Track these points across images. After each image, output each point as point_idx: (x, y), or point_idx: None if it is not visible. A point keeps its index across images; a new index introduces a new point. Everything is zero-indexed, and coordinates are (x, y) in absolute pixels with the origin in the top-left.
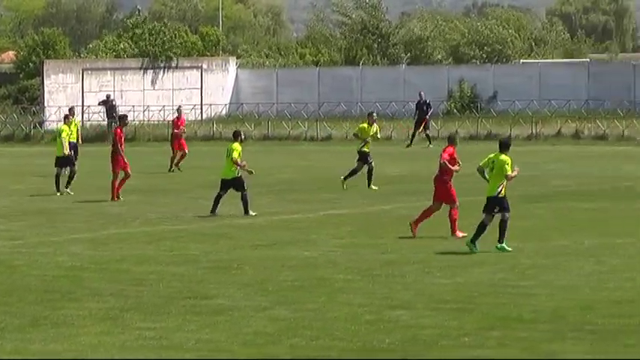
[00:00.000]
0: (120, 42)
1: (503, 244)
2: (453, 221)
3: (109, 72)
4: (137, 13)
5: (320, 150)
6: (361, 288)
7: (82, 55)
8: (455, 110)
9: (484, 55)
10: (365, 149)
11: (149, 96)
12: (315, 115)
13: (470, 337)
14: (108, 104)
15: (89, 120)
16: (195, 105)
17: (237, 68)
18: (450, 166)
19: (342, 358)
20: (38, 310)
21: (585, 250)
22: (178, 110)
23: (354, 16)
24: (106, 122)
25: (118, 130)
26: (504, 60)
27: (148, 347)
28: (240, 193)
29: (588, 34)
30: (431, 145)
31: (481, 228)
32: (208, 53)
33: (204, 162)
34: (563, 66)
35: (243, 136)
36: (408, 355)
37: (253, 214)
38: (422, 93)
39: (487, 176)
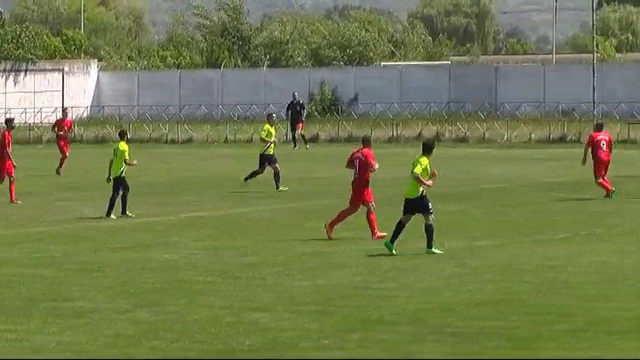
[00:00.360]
0: None
1: (433, 249)
2: (371, 222)
3: None
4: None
5: (181, 153)
6: (222, 290)
7: None
8: (316, 113)
9: (345, 58)
10: (269, 152)
11: (10, 98)
12: (176, 118)
13: (330, 340)
14: None
15: None
16: (56, 107)
17: (98, 71)
18: (374, 165)
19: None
20: None
21: (446, 253)
22: (64, 111)
23: (215, 18)
24: None
25: (6, 134)
26: (365, 63)
27: (9, 349)
28: (123, 193)
29: (450, 36)
30: (307, 147)
31: (399, 228)
32: (70, 56)
33: (66, 164)
34: (424, 68)
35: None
36: (268, 357)
37: (131, 215)
38: (295, 94)
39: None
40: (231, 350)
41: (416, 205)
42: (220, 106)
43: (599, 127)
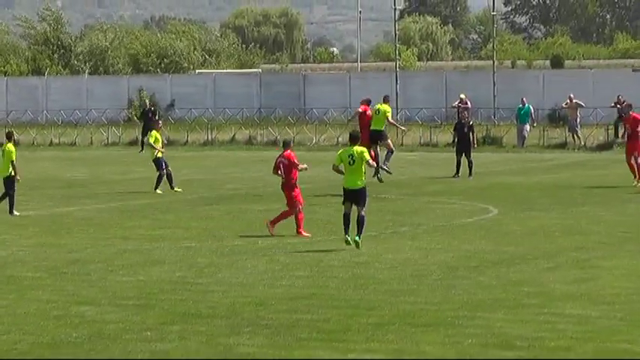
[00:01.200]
0: None
1: (357, 238)
2: (298, 221)
3: None
4: None
5: None
6: (49, 285)
7: None
8: (135, 118)
9: (162, 66)
10: (159, 155)
11: None
12: (3, 122)
13: (152, 332)
14: None
15: None
16: None
17: None
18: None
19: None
20: None
21: (259, 249)
22: None
23: (38, 28)
24: None
25: None
26: (181, 70)
27: None
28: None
29: (260, 45)
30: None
31: (346, 220)
32: None
33: None
34: (236, 76)
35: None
36: (94, 349)
37: (17, 213)
38: (147, 102)
39: (344, 170)
40: (59, 342)
41: (358, 195)
42: (45, 112)
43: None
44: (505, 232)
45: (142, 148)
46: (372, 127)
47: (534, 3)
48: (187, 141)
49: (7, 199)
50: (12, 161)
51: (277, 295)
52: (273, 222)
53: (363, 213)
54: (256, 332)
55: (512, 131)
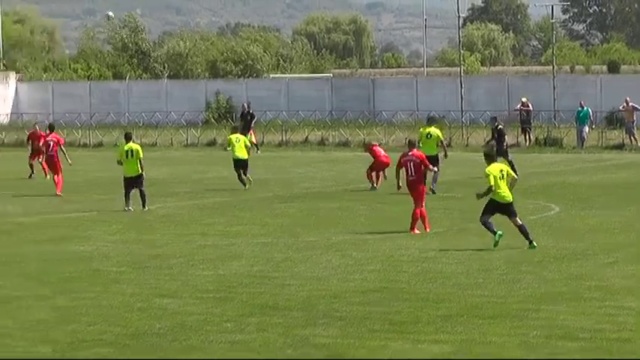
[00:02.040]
0: None
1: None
2: (423, 218)
3: None
4: None
5: (92, 155)
6: (132, 279)
7: None
8: (213, 119)
9: (238, 71)
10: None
11: None
12: (87, 124)
13: (231, 323)
14: None
15: None
16: None
17: (16, 82)
18: None
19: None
20: None
21: (332, 245)
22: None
23: (123, 35)
24: None
25: None
26: (255, 75)
27: None
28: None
29: (331, 51)
30: (258, 152)
31: (488, 226)
32: None
33: None
34: (308, 80)
35: None
36: (176, 339)
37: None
38: (245, 105)
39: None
40: (142, 332)
41: (507, 208)
42: (127, 114)
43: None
44: (566, 228)
45: (258, 148)
46: (425, 153)
47: (591, 11)
48: (263, 142)
49: (140, 195)
50: (140, 159)
51: (350, 289)
52: (413, 228)
53: (519, 222)
54: (331, 324)
55: (571, 133)
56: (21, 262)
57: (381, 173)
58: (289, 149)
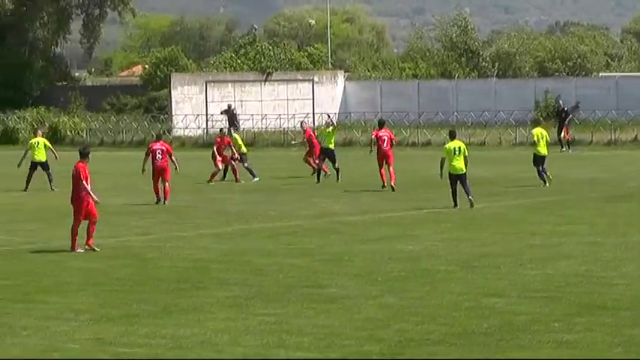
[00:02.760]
0: (237, 57)
1: None
2: None
3: (229, 84)
4: (253, 31)
5: (420, 155)
6: (460, 278)
7: (204, 69)
8: (541, 119)
9: (566, 69)
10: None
11: (266, 106)
12: (415, 123)
13: (559, 323)
14: (229, 113)
15: (212, 127)
16: (307, 114)
17: (345, 81)
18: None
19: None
20: (170, 298)
21: None
22: (302, 125)
23: (454, 35)
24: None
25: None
26: (584, 73)
27: (269, 331)
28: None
29: None
30: (565, 150)
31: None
32: (315, 68)
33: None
34: (637, 79)
35: None
36: (503, 338)
37: None
38: (561, 101)
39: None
40: (470, 332)
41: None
42: (455, 113)
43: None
44: None
45: (562, 147)
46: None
47: None
48: (592, 141)
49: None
50: (465, 157)
51: None
52: None
53: None
54: None
55: None
56: (349, 261)
57: None
58: (618, 148)
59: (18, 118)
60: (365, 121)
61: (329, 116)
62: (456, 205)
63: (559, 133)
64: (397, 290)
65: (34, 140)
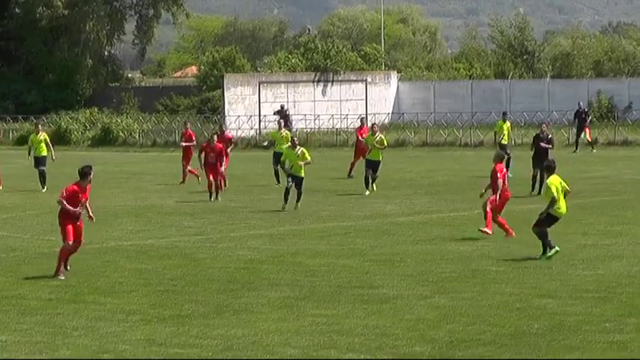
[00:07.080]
0: (292, 58)
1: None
2: None
3: (282, 84)
4: (307, 32)
5: (473, 155)
6: (511, 279)
7: (258, 70)
8: (594, 119)
9: (620, 70)
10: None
11: (319, 106)
12: (468, 124)
13: (610, 323)
14: (282, 114)
15: (265, 127)
16: (360, 114)
17: (398, 81)
18: None
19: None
20: (221, 298)
21: None
22: (361, 120)
23: (505, 33)
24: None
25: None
26: (638, 74)
27: (320, 332)
28: None
29: None
30: (594, 150)
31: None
32: (369, 68)
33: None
34: None
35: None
36: (554, 339)
37: None
38: (580, 103)
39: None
40: (521, 333)
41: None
42: (509, 113)
43: None
44: None
45: (577, 148)
46: None
47: None
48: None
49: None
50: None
51: None
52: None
53: None
54: None
55: None
56: (401, 261)
57: None
58: None
59: (70, 118)
60: (418, 122)
61: (374, 125)
62: None
63: (578, 135)
64: (448, 291)
65: (35, 137)
